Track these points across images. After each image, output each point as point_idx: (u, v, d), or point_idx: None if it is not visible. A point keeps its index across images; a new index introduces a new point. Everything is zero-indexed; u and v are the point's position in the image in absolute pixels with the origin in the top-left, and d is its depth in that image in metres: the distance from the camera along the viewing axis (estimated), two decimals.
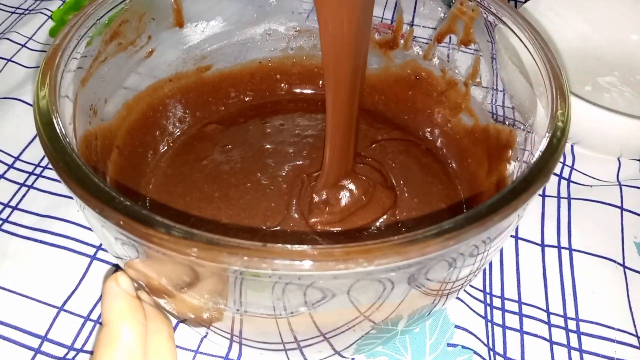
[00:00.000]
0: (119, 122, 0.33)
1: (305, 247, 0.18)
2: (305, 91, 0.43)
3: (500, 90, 0.36)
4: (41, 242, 0.38)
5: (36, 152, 0.44)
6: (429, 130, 0.39)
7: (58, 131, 0.22)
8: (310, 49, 0.42)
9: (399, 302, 0.23)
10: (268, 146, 0.38)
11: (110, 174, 0.31)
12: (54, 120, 0.23)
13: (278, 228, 0.32)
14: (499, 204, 0.20)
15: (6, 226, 0.39)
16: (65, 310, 0.35)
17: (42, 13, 0.55)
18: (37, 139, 0.23)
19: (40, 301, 0.35)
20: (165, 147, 0.37)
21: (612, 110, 0.42)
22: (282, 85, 0.42)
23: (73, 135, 0.26)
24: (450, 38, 0.38)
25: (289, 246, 0.18)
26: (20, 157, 0.44)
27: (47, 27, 0.54)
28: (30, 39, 0.53)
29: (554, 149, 0.23)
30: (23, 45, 0.52)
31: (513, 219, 0.21)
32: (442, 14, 0.36)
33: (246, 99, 0.42)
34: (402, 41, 0.39)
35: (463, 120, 0.38)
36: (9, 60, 0.51)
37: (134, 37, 0.33)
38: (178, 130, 0.38)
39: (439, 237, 0.19)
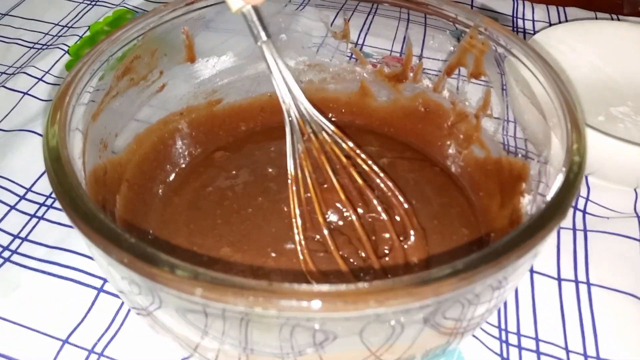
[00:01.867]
0: (129, 156, 0.33)
1: (312, 287, 0.17)
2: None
3: (512, 122, 0.36)
4: (49, 274, 0.38)
5: (48, 183, 0.44)
6: (439, 162, 0.39)
7: (66, 168, 0.22)
8: (320, 82, 0.42)
9: (411, 342, 0.22)
10: (271, 170, 0.38)
11: (119, 206, 0.31)
12: (62, 157, 0.23)
13: (275, 255, 0.32)
14: (514, 243, 0.20)
15: (15, 257, 0.39)
16: (70, 343, 0.35)
17: (59, 48, 0.56)
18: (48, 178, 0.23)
19: (45, 334, 0.35)
20: (174, 177, 0.37)
21: (627, 140, 0.41)
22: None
23: (82, 170, 0.26)
24: (459, 70, 0.38)
25: (295, 286, 0.17)
26: (32, 189, 0.44)
27: (64, 62, 0.55)
28: (47, 72, 0.54)
29: (570, 185, 0.23)
30: (39, 79, 0.53)
31: (529, 257, 0.20)
32: (452, 47, 0.36)
33: (256, 129, 0.42)
34: (411, 74, 0.39)
35: (475, 152, 0.37)
36: (26, 93, 0.52)
37: (145, 72, 0.33)
38: (187, 162, 0.38)
39: (452, 277, 0.18)
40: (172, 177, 0.37)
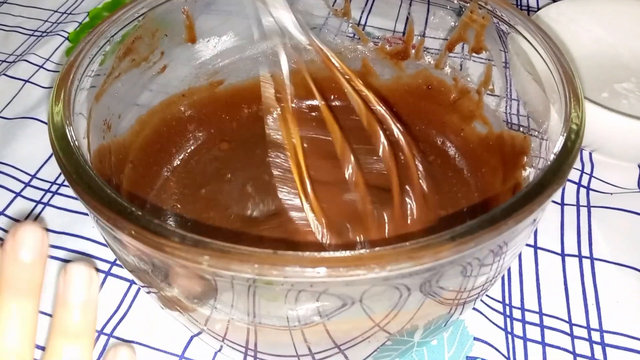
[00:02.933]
0: (133, 138, 0.33)
1: (315, 253, 0.18)
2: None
3: (514, 98, 0.36)
4: (57, 258, 0.38)
5: (52, 169, 0.45)
6: (441, 140, 0.39)
7: (71, 144, 0.22)
8: (322, 61, 0.42)
9: (413, 311, 0.23)
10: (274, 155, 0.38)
11: (124, 188, 0.31)
12: (68, 134, 0.23)
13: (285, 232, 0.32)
14: (513, 208, 0.20)
15: None
16: None
17: (59, 35, 0.56)
18: (54, 156, 0.23)
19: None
20: (177, 159, 0.37)
21: (630, 115, 0.41)
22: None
23: (87, 150, 0.26)
24: (462, 47, 0.38)
25: (299, 253, 0.18)
26: (37, 175, 0.45)
27: (64, 48, 0.55)
28: (47, 60, 0.54)
29: (568, 152, 0.23)
30: (40, 67, 0.53)
31: (528, 223, 0.21)
32: (453, 23, 0.36)
33: (259, 113, 0.42)
34: (413, 51, 0.39)
35: (477, 128, 0.37)
36: (27, 81, 0.52)
37: (147, 53, 0.33)
38: (190, 143, 0.38)
39: (452, 242, 0.18)
40: (175, 158, 0.37)
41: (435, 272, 0.19)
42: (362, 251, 0.18)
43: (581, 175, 0.45)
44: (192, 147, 0.39)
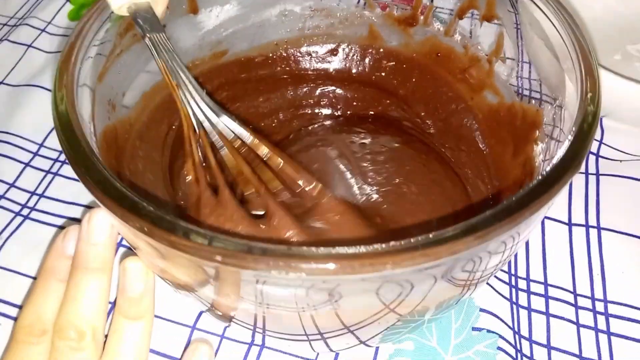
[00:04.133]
0: (138, 115, 0.33)
1: (330, 250, 0.17)
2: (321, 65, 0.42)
3: (526, 62, 0.35)
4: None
5: None
6: (448, 112, 0.38)
7: (78, 135, 0.22)
8: (327, 27, 0.40)
9: (425, 295, 0.23)
10: (275, 125, 0.39)
11: (132, 169, 0.31)
12: (73, 122, 0.22)
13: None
14: (529, 198, 0.19)
15: (34, 214, 0.40)
16: None
17: None
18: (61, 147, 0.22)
19: None
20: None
21: None
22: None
23: (93, 133, 0.26)
24: (472, 13, 0.36)
25: (314, 249, 0.18)
26: (44, 144, 0.44)
27: (66, 10, 0.54)
28: (49, 23, 0.53)
29: (585, 136, 0.22)
30: (43, 30, 0.52)
31: (543, 212, 0.20)
32: None
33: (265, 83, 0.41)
34: (421, 17, 0.38)
35: (487, 98, 0.37)
36: (30, 45, 0.51)
37: None
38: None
39: (467, 236, 0.18)
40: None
41: (449, 265, 0.19)
42: (377, 246, 0.18)
43: None
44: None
